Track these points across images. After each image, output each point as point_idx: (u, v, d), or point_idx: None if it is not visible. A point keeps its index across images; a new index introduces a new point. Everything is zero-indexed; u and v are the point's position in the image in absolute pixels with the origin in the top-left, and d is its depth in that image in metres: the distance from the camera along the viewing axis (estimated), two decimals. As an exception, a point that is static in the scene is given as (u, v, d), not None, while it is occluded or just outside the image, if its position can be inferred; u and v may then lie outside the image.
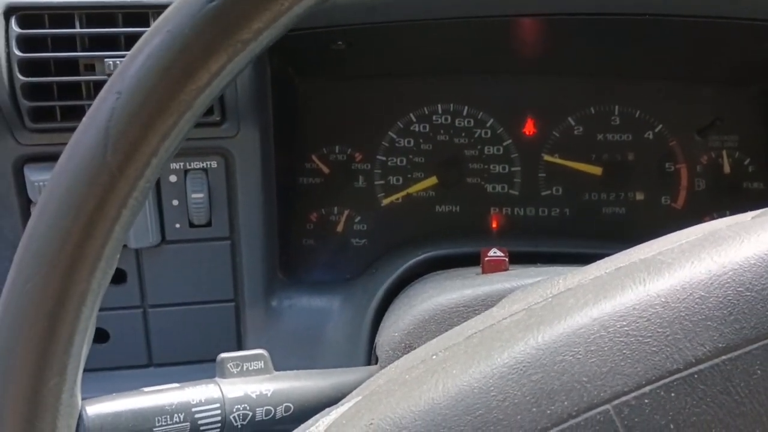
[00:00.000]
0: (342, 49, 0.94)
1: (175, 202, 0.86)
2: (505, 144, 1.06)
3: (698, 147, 1.07)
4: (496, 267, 0.78)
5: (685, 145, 1.06)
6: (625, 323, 0.32)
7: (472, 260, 0.86)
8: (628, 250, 0.40)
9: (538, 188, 1.07)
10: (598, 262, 0.39)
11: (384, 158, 1.06)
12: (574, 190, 1.06)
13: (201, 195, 0.85)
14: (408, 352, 0.67)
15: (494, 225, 1.07)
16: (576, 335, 0.33)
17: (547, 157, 1.06)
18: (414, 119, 1.06)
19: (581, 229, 1.07)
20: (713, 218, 1.04)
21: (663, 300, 0.32)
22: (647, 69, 1.06)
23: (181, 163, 0.86)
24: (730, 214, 1.02)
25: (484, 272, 0.79)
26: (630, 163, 1.06)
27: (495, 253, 0.80)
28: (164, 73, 0.34)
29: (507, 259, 0.79)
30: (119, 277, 0.89)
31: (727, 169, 1.06)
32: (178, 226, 0.87)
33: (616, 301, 0.33)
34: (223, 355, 0.60)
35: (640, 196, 1.06)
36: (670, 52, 1.02)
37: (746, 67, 1.04)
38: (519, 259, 0.82)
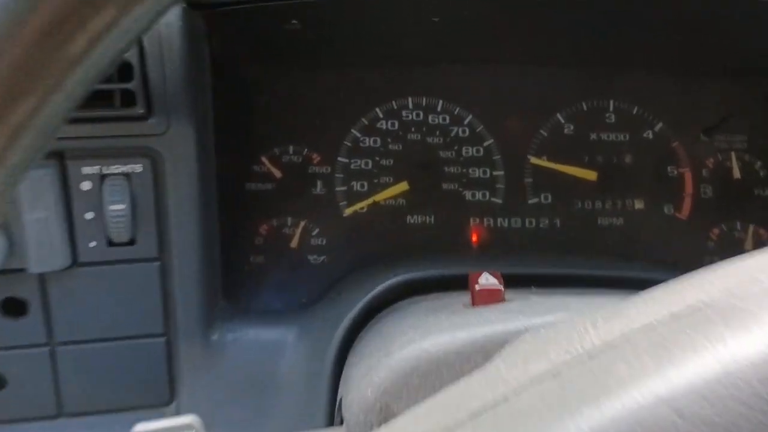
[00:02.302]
0: (297, 30, 0.81)
1: (89, 216, 0.72)
2: (485, 144, 0.96)
3: (704, 148, 0.97)
4: (489, 298, 0.64)
5: (689, 147, 0.97)
6: (709, 407, 0.23)
7: (453, 282, 0.74)
8: (672, 281, 0.31)
9: (524, 195, 0.96)
10: (634, 298, 0.31)
11: (346, 160, 0.95)
12: (566, 198, 0.96)
13: (122, 206, 0.72)
14: (384, 416, 0.52)
15: (474, 238, 0.96)
16: (640, 425, 0.23)
17: (533, 160, 0.96)
18: (381, 115, 0.95)
19: (574, 243, 0.96)
20: (721, 230, 0.94)
21: (761, 372, 0.23)
22: (646, 59, 0.95)
23: (97, 167, 0.72)
24: (741, 225, 0.90)
25: (474, 304, 0.64)
26: (627, 166, 0.97)
27: (487, 280, 0.65)
28: (15, 32, 0.25)
29: (503, 289, 0.64)
30: (18, 308, 0.74)
31: (736, 173, 0.95)
32: (93, 244, 0.73)
33: (690, 371, 0.24)
34: (140, 428, 0.44)
35: (639, 205, 0.96)
36: (672, 40, 0.90)
37: (757, 57, 0.92)
38: (506, 280, 0.69)
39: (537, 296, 0.67)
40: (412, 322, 0.64)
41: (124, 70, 0.68)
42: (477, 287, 0.65)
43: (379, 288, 0.77)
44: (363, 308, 0.76)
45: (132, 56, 0.67)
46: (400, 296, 0.77)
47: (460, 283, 0.72)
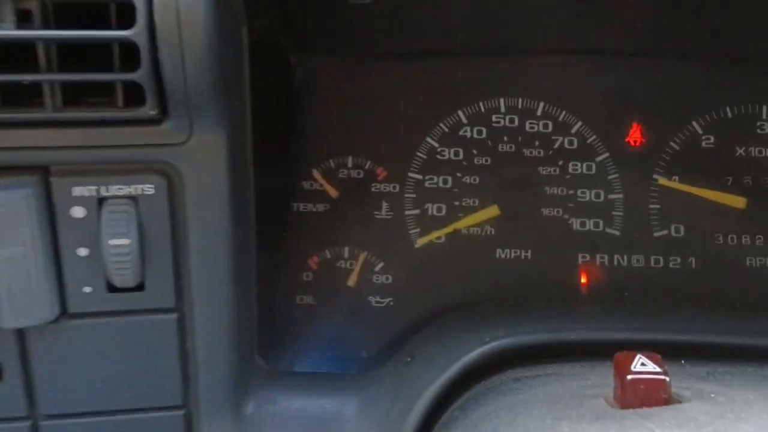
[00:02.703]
0: (364, 6, 0.71)
1: (83, 252, 0.61)
2: (599, 159, 0.86)
3: None
4: (648, 397, 0.45)
5: None
6: None
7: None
8: None
9: (649, 226, 0.86)
10: None
11: (419, 177, 0.87)
12: (703, 231, 0.86)
13: (126, 241, 0.60)
14: None
15: (583, 280, 0.85)
16: None
17: (662, 181, 0.86)
18: (465, 120, 0.87)
19: (714, 289, 0.84)
20: None
21: None
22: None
23: (93, 187, 0.59)
24: None
25: (624, 404, 0.45)
26: (785, 191, 0.83)
27: (644, 365, 0.46)
28: None
29: (668, 379, 0.45)
30: (-10, 372, 0.62)
31: None
32: (88, 290, 0.62)
33: None
34: None
35: (800, 241, 0.82)
36: None
37: None
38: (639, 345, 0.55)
39: (714, 387, 0.48)
40: (533, 428, 0.45)
41: (127, 55, 0.51)
42: (629, 378, 0.45)
43: (470, 356, 0.63)
44: (448, 382, 0.62)
45: (138, 35, 0.50)
46: (494, 362, 0.63)
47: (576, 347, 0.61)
